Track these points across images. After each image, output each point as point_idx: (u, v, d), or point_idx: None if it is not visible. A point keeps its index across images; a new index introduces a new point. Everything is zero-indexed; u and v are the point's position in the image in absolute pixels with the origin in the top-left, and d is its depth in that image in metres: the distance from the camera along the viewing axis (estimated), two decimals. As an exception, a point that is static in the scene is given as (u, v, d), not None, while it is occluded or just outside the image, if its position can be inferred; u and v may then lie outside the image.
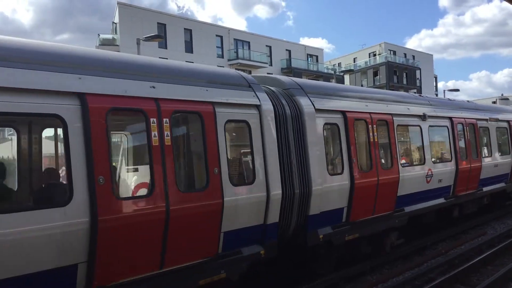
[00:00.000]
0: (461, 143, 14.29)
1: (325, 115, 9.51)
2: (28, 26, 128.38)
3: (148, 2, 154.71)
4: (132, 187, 7.57)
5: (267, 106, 8.20)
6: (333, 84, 19.41)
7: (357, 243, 10.55)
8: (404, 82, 71.81)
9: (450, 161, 13.64)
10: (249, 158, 7.94)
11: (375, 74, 70.87)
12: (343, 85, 15.98)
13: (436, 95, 73.12)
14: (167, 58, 29.64)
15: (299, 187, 8.65)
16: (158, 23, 46.50)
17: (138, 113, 6.35)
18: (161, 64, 7.45)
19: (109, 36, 47.08)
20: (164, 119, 6.46)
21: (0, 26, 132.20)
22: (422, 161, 12.46)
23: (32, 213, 5.22)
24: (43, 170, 7.27)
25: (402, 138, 12.09)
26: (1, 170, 6.31)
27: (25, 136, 6.99)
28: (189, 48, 49.30)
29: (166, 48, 45.99)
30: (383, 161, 10.98)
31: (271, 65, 56.24)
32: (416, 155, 12.73)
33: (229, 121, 7.51)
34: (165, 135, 6.44)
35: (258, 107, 8.03)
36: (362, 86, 60.81)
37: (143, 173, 6.81)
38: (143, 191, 6.69)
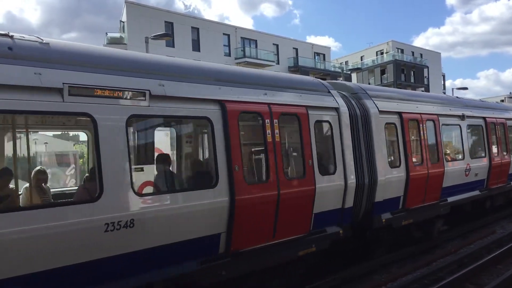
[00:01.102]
0: (493, 141, 15.69)
1: (385, 116, 10.88)
2: (35, 25, 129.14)
3: (155, 0, 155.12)
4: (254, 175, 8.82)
5: (344, 108, 9.69)
6: (390, 88, 21.08)
7: (409, 229, 12.00)
8: (412, 80, 71.52)
9: (484, 157, 15.00)
10: (331, 152, 9.34)
11: (383, 72, 70.62)
12: (398, 89, 18.00)
13: (444, 93, 72.76)
14: (174, 57, 29.63)
15: (368, 178, 10.08)
16: (165, 21, 46.58)
17: (256, 114, 7.95)
18: (269, 75, 9.65)
19: (117, 35, 47.22)
20: (275, 120, 8.00)
21: (8, 25, 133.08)
22: (462, 157, 13.84)
23: (192, 192, 6.99)
24: (198, 160, 8.94)
25: (445, 136, 13.33)
26: (171, 161, 8.18)
27: (186, 135, 9.10)
28: (196, 46, 49.36)
29: (173, 46, 46.07)
30: (431, 156, 12.12)
31: (278, 63, 56.18)
32: (456, 151, 14.20)
33: (317, 121, 9.02)
34: (275, 133, 7.97)
35: (337, 109, 9.51)
36: (369, 84, 60.57)
37: (260, 164, 8.26)
38: (261, 178, 8.12)
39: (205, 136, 8.07)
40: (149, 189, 7.21)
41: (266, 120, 7.87)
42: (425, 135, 11.90)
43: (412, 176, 11.13)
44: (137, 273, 6.22)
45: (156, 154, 8.48)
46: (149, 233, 6.26)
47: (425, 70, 75.01)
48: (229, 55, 52.36)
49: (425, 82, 74.05)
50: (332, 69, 63.72)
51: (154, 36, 23.64)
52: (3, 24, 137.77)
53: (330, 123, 9.32)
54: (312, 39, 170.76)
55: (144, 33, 29.88)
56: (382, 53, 73.47)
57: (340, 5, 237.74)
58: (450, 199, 12.99)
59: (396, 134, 11.10)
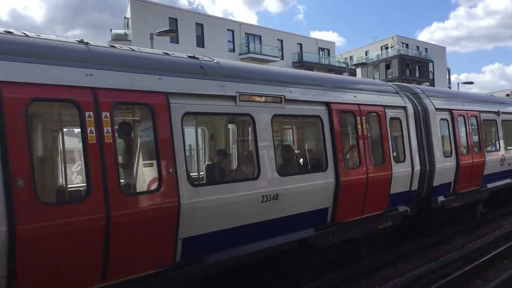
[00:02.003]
0: None
1: (440, 113, 12.68)
2: (39, 22, 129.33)
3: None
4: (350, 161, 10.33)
5: (409, 106, 11.45)
6: (442, 89, 23.82)
7: (455, 211, 13.73)
8: (417, 75, 71.23)
9: None
10: (401, 143, 11.02)
11: (388, 67, 70.37)
12: (447, 89, 20.99)
13: (449, 88, 72.44)
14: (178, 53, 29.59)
15: (428, 165, 11.86)
16: (169, 17, 46.52)
17: (350, 113, 9.73)
18: (357, 81, 12.31)
19: (121, 31, 47.22)
20: (363, 117, 9.88)
21: (13, 23, 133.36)
22: (498, 148, 15.77)
23: (311, 175, 9.01)
24: (313, 149, 10.36)
25: (484, 130, 14.98)
26: (294, 150, 10.51)
27: (305, 129, 11.08)
28: (200, 42, 49.28)
29: (177, 43, 46.00)
30: (475, 147, 14.01)
31: (282, 59, 56.03)
32: (493, 144, 15.93)
33: (391, 118, 10.71)
34: (364, 128, 9.85)
35: (404, 108, 11.27)
36: (374, 79, 60.40)
37: (354, 153, 9.92)
38: (356, 164, 9.74)
39: (317, 130, 9.40)
40: (285, 172, 8.82)
41: (357, 118, 9.75)
42: (470, 129, 13.85)
43: (461, 164, 13.08)
44: (278, 235, 8.23)
45: (286, 144, 10.68)
46: (286, 205, 8.20)
47: (430, 64, 74.64)
48: (234, 50, 52.28)
49: (430, 77, 73.72)
50: (337, 64, 63.52)
51: (158, 32, 23.64)
52: (7, 21, 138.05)
53: (400, 119, 11.07)
54: (316, 34, 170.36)
55: (149, 29, 29.86)
56: (387, 48, 73.17)
57: (343, 0, 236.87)
58: (489, 185, 14.94)
59: (448, 128, 12.98)
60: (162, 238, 6.47)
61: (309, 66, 55.22)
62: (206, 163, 9.22)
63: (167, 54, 7.45)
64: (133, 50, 7.00)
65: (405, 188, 11.05)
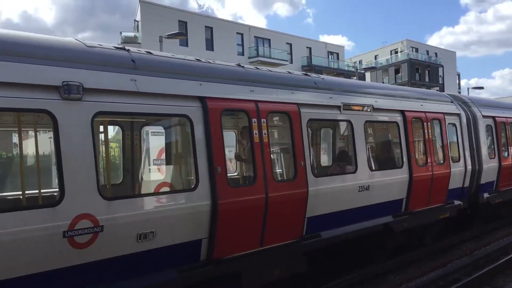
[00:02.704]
0: None
1: (485, 120, 14.34)
2: (50, 24, 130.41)
3: (169, 0, 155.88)
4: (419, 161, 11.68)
5: (463, 114, 13.20)
6: (487, 99, 25.62)
7: (497, 207, 15.07)
8: (427, 79, 70.98)
9: None
10: (455, 146, 12.62)
11: (397, 71, 70.15)
12: (491, 99, 22.78)
13: (459, 93, 72.04)
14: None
15: (477, 165, 13.44)
16: (179, 21, 46.74)
17: (419, 119, 11.41)
18: (424, 91, 14.15)
19: (131, 34, 47.48)
20: (428, 123, 11.63)
21: (23, 24, 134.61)
22: None
23: (391, 171, 10.60)
24: (391, 149, 11.68)
25: None
26: (377, 149, 11.52)
27: (385, 132, 11.90)
28: (209, 45, 49.44)
29: (187, 46, 46.18)
30: None
31: (291, 62, 56.06)
32: None
33: (449, 123, 12.45)
34: (430, 132, 11.55)
35: (458, 115, 12.98)
36: (383, 83, 60.24)
37: (421, 153, 11.55)
38: (424, 163, 11.38)
39: (395, 134, 10.95)
40: (374, 167, 10.30)
41: (424, 123, 11.47)
42: (510, 134, 15.61)
43: (503, 165, 14.75)
44: (369, 219, 9.85)
45: (372, 145, 11.64)
46: (374, 195, 9.82)
47: (440, 69, 74.35)
48: (243, 54, 52.37)
49: (440, 82, 73.39)
50: (346, 68, 63.44)
51: (168, 35, 23.73)
52: (18, 23, 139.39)
53: (455, 125, 12.74)
54: (325, 38, 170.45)
55: (158, 32, 30.01)
56: (396, 52, 72.96)
57: (353, 4, 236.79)
58: None
59: (492, 133, 14.63)
60: (296, 216, 8.24)
61: (318, 70, 55.16)
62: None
63: (290, 72, 9.56)
64: (271, 71, 9.00)
65: (459, 184, 12.78)
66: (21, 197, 6.30)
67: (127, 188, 8.29)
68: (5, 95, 5.08)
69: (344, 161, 10.59)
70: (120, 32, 47.80)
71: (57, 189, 5.57)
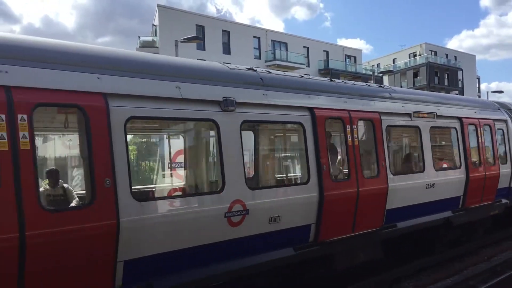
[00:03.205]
0: None
1: None
2: (71, 29, 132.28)
3: (187, 5, 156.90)
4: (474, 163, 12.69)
5: (509, 120, 14.31)
6: None
7: None
8: (446, 83, 70.16)
9: None
10: (502, 149, 13.68)
11: (415, 75, 69.50)
12: None
13: (479, 96, 71.08)
14: (205, 60, 29.92)
15: None
16: (196, 25, 47.04)
17: (473, 125, 12.54)
18: (476, 100, 14.56)
19: (149, 38, 47.94)
20: (481, 128, 12.71)
21: (45, 30, 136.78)
22: None
23: (450, 171, 11.87)
24: (451, 151, 12.82)
25: None
26: (439, 151, 12.47)
27: (445, 137, 12.83)
28: (226, 49, 49.66)
29: (204, 49, 46.46)
30: None
31: (308, 66, 55.99)
32: None
33: (497, 129, 13.49)
34: (482, 136, 12.67)
35: (505, 121, 14.11)
36: (401, 87, 59.74)
37: (476, 155, 12.49)
38: (478, 164, 12.42)
39: (453, 138, 12.13)
40: (437, 167, 11.41)
41: (478, 128, 12.69)
42: None
43: None
44: (432, 213, 11.06)
45: (435, 148, 12.33)
46: (437, 192, 11.02)
47: (459, 73, 73.42)
48: (259, 58, 52.47)
49: (459, 85, 72.48)
50: (363, 71, 63.09)
51: (183, 39, 23.87)
52: (40, 28, 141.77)
53: (502, 130, 13.88)
54: (343, 42, 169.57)
55: (176, 36, 30.17)
56: (415, 56, 72.31)
57: (372, 7, 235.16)
58: None
59: None
60: (379, 207, 9.50)
61: (335, 73, 54.98)
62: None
63: (368, 85, 11.17)
64: (355, 84, 10.68)
65: (505, 184, 13.77)
66: (201, 184, 8.56)
67: (262, 181, 10.36)
68: (192, 108, 6.80)
69: (413, 162, 11.66)
70: (139, 37, 48.40)
71: (218, 180, 7.28)
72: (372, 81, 44.85)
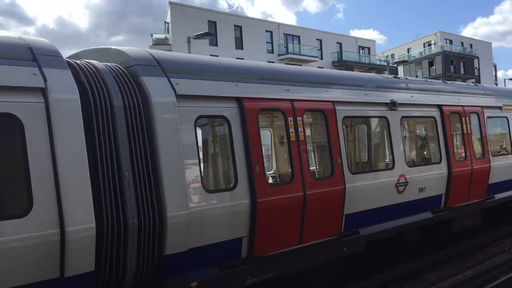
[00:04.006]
0: None
1: None
2: (84, 29, 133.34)
3: (199, 1, 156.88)
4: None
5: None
6: None
7: None
8: (462, 72, 69.22)
9: None
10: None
11: (431, 64, 68.66)
12: None
13: (496, 84, 70.05)
14: (217, 55, 30.09)
15: None
16: (208, 21, 47.07)
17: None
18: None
19: (162, 36, 48.10)
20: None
21: (59, 30, 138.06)
22: None
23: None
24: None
25: None
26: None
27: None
28: (239, 44, 49.62)
29: (216, 45, 46.50)
30: None
31: (321, 58, 55.70)
32: None
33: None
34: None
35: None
36: (416, 77, 59.11)
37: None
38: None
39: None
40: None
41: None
42: None
43: None
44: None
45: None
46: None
47: (475, 61, 72.36)
48: (272, 52, 52.34)
49: (476, 73, 71.46)
50: (378, 62, 62.53)
51: (195, 35, 23.89)
52: (54, 29, 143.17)
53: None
54: (356, 33, 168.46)
55: (188, 33, 30.25)
56: (429, 45, 71.45)
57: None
58: None
59: None
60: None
61: (349, 65, 54.61)
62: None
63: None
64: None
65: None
66: (383, 163, 10.22)
67: (415, 160, 11.28)
68: (374, 109, 9.58)
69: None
70: (151, 34, 48.57)
71: (390, 160, 9.67)
72: (387, 72, 44.50)
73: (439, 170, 10.51)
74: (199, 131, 6.82)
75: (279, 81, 7.80)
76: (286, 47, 52.73)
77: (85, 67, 6.07)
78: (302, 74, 9.02)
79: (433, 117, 10.71)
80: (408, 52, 73.07)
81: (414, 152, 11.59)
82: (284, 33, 53.63)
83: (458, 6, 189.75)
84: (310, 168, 8.14)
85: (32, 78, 5.23)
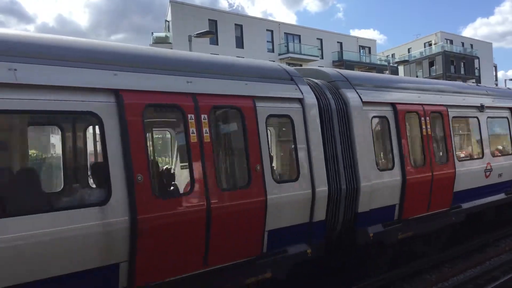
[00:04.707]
0: None
1: None
2: (84, 27, 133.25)
3: (200, 0, 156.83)
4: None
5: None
6: None
7: None
8: (462, 72, 69.16)
9: None
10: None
11: (431, 64, 68.61)
12: None
13: (496, 85, 69.97)
14: (218, 54, 29.96)
15: None
16: (209, 19, 47.02)
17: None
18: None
19: (162, 34, 48.04)
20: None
21: (59, 28, 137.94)
22: None
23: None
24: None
25: None
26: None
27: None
28: (239, 43, 49.57)
29: (217, 44, 46.43)
30: None
31: (322, 58, 55.64)
32: None
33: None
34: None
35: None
36: (417, 77, 59.03)
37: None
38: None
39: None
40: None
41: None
42: None
43: None
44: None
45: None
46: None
47: (476, 61, 72.30)
48: (273, 51, 52.28)
49: (476, 74, 71.39)
50: (378, 62, 62.47)
51: (196, 34, 23.83)
52: (54, 27, 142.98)
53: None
54: (356, 33, 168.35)
55: (189, 31, 30.19)
56: (430, 45, 71.38)
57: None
58: None
59: None
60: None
61: (350, 65, 54.52)
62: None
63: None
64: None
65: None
66: (473, 153, 12.03)
67: (495, 152, 12.60)
68: (469, 111, 11.69)
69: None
70: (152, 33, 48.51)
71: (480, 150, 11.90)
72: (387, 72, 44.43)
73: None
74: (373, 125, 9.13)
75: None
76: (287, 46, 52.66)
77: (312, 83, 8.72)
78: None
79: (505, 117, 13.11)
80: (409, 52, 73.00)
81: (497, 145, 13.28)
82: (284, 32, 53.57)
83: (458, 6, 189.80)
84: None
85: (295, 92, 7.83)
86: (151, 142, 7.36)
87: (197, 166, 6.27)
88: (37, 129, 8.48)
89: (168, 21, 47.56)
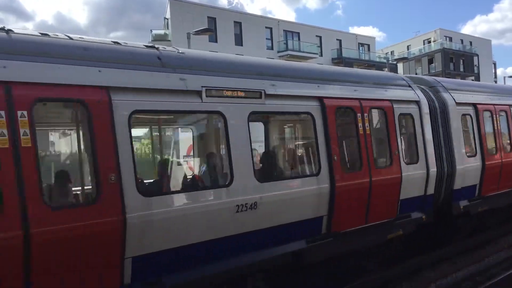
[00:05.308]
0: None
1: None
2: (83, 25, 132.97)
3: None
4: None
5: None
6: None
7: None
8: (461, 69, 69.14)
9: None
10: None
11: (430, 61, 68.59)
12: None
13: (495, 82, 70.00)
14: (217, 52, 29.92)
15: None
16: (208, 17, 46.94)
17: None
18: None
19: (161, 32, 47.96)
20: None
21: (58, 26, 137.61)
22: None
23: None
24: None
25: None
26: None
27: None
28: (239, 41, 49.49)
29: (216, 41, 46.34)
30: None
31: (321, 55, 55.57)
32: None
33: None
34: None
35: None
36: (416, 74, 59.00)
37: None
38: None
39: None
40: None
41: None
42: None
43: None
44: None
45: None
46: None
47: (475, 58, 72.24)
48: (272, 48, 52.21)
49: (475, 71, 71.37)
50: (377, 59, 62.43)
51: (195, 31, 23.79)
52: (52, 25, 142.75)
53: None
54: (355, 30, 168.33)
55: (188, 29, 30.15)
56: (429, 42, 71.31)
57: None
58: None
59: None
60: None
61: (349, 62, 54.46)
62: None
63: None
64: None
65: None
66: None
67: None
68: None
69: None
70: (151, 30, 48.44)
71: None
72: (386, 69, 44.42)
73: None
74: (462, 121, 11.47)
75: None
76: (286, 43, 52.59)
77: (420, 88, 10.85)
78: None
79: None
80: (408, 49, 72.94)
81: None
82: (284, 30, 53.48)
83: (457, 3, 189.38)
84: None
85: (414, 95, 10.25)
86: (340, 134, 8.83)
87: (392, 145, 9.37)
88: (292, 124, 10.89)
89: (167, 19, 47.49)
